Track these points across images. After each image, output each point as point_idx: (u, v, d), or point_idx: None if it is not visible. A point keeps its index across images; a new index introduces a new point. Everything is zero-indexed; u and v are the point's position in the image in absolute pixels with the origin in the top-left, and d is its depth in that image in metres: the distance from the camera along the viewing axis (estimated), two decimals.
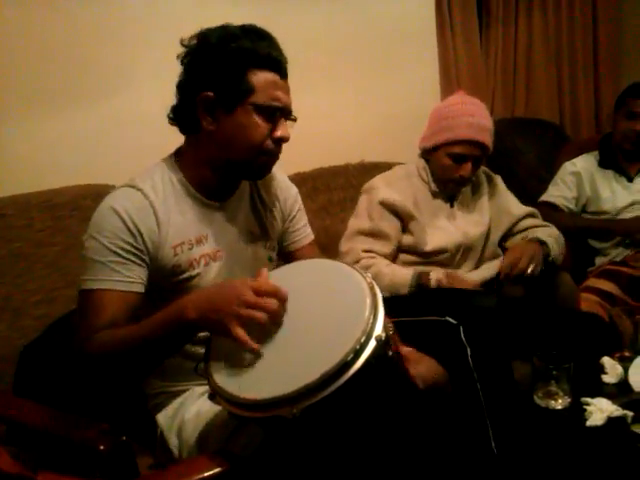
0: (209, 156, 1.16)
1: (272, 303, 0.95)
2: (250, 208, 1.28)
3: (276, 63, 1.12)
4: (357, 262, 1.69)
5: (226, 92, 1.10)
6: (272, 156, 1.16)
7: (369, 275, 1.02)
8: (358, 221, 1.78)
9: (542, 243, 1.76)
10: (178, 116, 1.17)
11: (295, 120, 1.18)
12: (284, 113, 1.15)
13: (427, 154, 1.82)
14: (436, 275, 1.66)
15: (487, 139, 1.73)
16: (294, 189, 1.37)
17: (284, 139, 1.15)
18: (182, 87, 1.15)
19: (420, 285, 1.65)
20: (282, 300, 0.97)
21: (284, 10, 2.08)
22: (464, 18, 2.58)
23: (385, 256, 1.75)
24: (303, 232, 1.38)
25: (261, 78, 1.10)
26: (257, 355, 0.97)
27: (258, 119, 1.11)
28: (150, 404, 1.25)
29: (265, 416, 0.91)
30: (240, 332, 0.93)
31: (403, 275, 1.67)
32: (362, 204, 1.81)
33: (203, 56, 1.12)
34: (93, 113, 1.78)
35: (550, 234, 1.81)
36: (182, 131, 1.19)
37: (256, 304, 0.94)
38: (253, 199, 1.29)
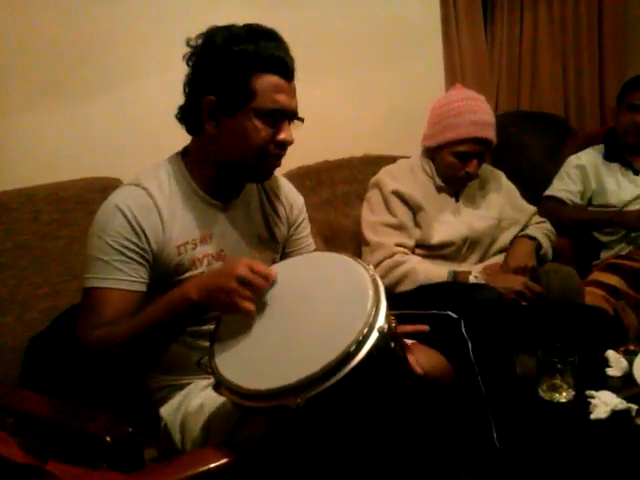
0: (213, 158, 1.17)
1: (261, 282, 0.98)
2: (260, 211, 1.28)
3: (281, 65, 1.11)
4: (391, 256, 1.68)
5: (227, 97, 1.10)
6: (275, 159, 1.16)
7: (371, 267, 1.03)
8: (378, 215, 1.77)
9: (533, 239, 1.86)
10: (184, 117, 1.18)
11: (302, 121, 1.17)
12: (287, 116, 1.14)
13: (431, 153, 1.82)
14: (475, 275, 1.66)
15: (490, 134, 1.73)
16: (301, 199, 1.38)
17: (287, 142, 1.14)
18: (187, 88, 1.15)
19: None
20: (269, 281, 1.00)
21: (287, 3, 2.07)
22: (469, 11, 2.56)
23: (411, 249, 1.75)
24: (306, 241, 1.38)
25: (264, 82, 1.09)
26: (261, 346, 0.98)
27: (259, 123, 1.11)
28: (154, 398, 1.26)
29: (269, 406, 0.91)
30: (235, 303, 0.96)
31: (438, 274, 1.67)
32: (375, 198, 1.80)
33: (207, 58, 1.11)
34: (99, 107, 1.78)
35: (543, 230, 1.89)
36: (188, 131, 1.19)
37: (249, 279, 0.97)
38: (262, 203, 1.29)
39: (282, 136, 1.12)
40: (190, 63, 1.14)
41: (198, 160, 1.19)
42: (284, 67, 1.11)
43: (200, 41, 1.13)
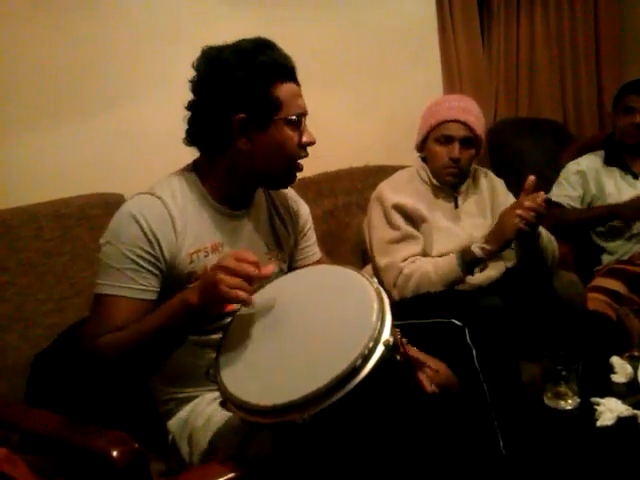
0: (240, 172, 1.18)
1: (247, 268, 0.97)
2: (267, 219, 1.30)
3: (292, 72, 1.16)
4: (401, 272, 1.66)
5: (257, 111, 1.12)
6: (301, 162, 1.20)
7: (375, 281, 1.03)
8: (381, 232, 1.75)
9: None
10: (203, 139, 1.18)
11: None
12: (304, 118, 1.18)
13: (421, 151, 1.83)
14: (478, 248, 1.62)
15: (471, 119, 1.72)
16: (307, 207, 1.40)
17: (312, 144, 1.18)
18: (207, 111, 1.14)
19: (469, 263, 1.63)
20: (257, 266, 0.99)
21: (287, 17, 2.09)
22: (466, 19, 2.58)
23: (420, 255, 1.72)
24: (312, 250, 1.39)
25: (285, 91, 1.13)
26: (267, 360, 0.98)
27: (289, 131, 1.15)
28: (161, 410, 1.26)
29: (276, 422, 0.91)
30: (224, 293, 0.96)
31: (447, 262, 1.65)
32: (375, 214, 1.77)
33: (224, 77, 1.11)
34: (100, 123, 1.80)
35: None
36: (207, 153, 1.19)
37: (235, 269, 0.96)
38: (270, 213, 1.31)
39: (306, 138, 1.17)
40: (202, 86, 1.14)
41: (215, 174, 1.19)
42: (294, 72, 1.16)
43: (203, 65, 1.14)
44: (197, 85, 1.15)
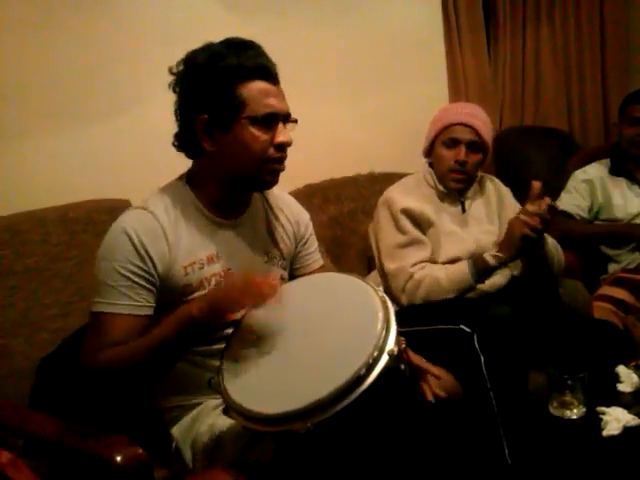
0: (217, 176, 1.17)
1: (270, 291, 0.98)
2: (265, 227, 1.29)
3: (264, 71, 1.12)
4: (411, 278, 1.65)
5: (219, 111, 1.11)
6: (277, 162, 1.16)
7: (381, 289, 1.03)
8: (390, 237, 1.75)
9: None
10: (182, 142, 1.18)
11: (296, 122, 1.17)
12: (282, 118, 1.14)
13: (429, 156, 1.83)
14: (491, 256, 1.63)
15: (477, 124, 1.73)
16: (307, 215, 1.38)
17: (285, 144, 1.15)
18: (179, 113, 1.17)
19: (481, 271, 1.63)
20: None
21: (294, 25, 2.10)
22: (472, 29, 2.59)
23: (429, 260, 1.73)
24: (314, 257, 1.38)
25: (251, 89, 1.11)
26: (270, 369, 0.98)
27: (255, 131, 1.12)
28: (165, 418, 1.26)
29: (279, 430, 0.91)
30: (247, 300, 0.99)
31: (459, 270, 1.65)
32: (384, 218, 1.78)
33: (193, 79, 1.13)
34: (106, 128, 1.81)
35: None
36: (188, 156, 1.20)
37: (260, 284, 0.98)
38: (268, 219, 1.30)
39: (280, 139, 1.13)
40: (177, 90, 1.15)
41: (202, 181, 1.19)
42: (267, 72, 1.13)
43: (182, 67, 1.15)
44: (173, 87, 1.16)
